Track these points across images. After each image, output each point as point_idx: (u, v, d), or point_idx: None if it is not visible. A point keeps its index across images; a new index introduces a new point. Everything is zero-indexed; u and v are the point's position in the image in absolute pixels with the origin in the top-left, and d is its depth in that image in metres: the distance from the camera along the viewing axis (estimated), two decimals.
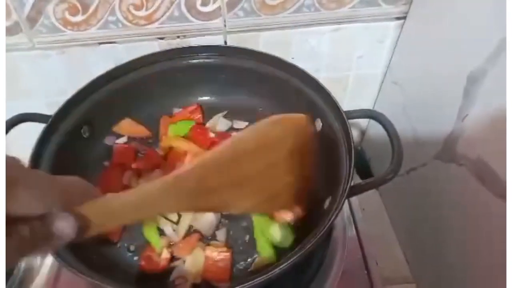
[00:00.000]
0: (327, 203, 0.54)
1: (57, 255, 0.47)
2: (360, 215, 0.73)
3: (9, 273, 0.74)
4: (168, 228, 0.61)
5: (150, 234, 0.60)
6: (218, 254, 0.57)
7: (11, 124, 0.59)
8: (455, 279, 0.70)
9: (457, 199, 0.66)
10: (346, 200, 0.74)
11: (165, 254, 0.58)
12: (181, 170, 0.35)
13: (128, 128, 0.73)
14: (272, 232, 0.59)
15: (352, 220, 0.73)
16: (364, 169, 1.00)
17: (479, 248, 0.62)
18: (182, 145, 0.70)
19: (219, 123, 0.75)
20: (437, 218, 0.73)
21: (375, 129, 0.99)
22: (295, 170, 0.40)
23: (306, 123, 0.42)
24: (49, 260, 0.73)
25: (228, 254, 0.58)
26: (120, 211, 0.32)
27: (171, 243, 0.60)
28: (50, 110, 0.63)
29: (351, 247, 0.69)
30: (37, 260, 0.81)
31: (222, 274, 0.56)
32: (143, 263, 0.58)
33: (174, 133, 0.72)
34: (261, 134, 0.38)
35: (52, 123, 0.61)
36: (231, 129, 0.75)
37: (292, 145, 0.39)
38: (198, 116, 0.75)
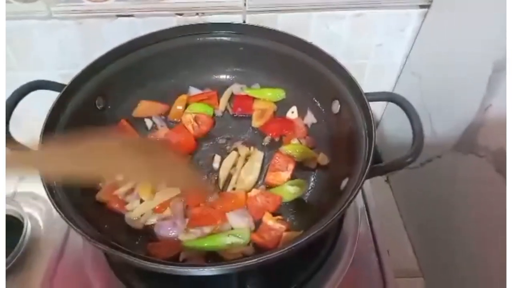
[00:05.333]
0: (343, 183, 0.53)
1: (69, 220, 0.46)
2: (374, 206, 0.72)
3: (13, 243, 0.74)
4: None
5: None
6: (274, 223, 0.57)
7: (24, 91, 0.57)
8: (465, 273, 0.69)
9: (474, 191, 0.64)
10: (360, 191, 0.74)
11: None
12: None
13: (146, 110, 0.72)
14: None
15: (365, 210, 0.72)
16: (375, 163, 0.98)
17: (494, 241, 0.61)
18: None
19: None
20: (450, 211, 0.72)
21: (389, 123, 0.98)
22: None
23: None
24: (56, 228, 0.71)
25: (283, 226, 0.57)
26: None
27: None
28: (63, 81, 0.62)
29: (363, 237, 0.68)
30: (41, 229, 0.81)
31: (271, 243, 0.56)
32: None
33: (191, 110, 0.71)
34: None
35: (67, 91, 0.60)
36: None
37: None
38: (214, 101, 0.74)
